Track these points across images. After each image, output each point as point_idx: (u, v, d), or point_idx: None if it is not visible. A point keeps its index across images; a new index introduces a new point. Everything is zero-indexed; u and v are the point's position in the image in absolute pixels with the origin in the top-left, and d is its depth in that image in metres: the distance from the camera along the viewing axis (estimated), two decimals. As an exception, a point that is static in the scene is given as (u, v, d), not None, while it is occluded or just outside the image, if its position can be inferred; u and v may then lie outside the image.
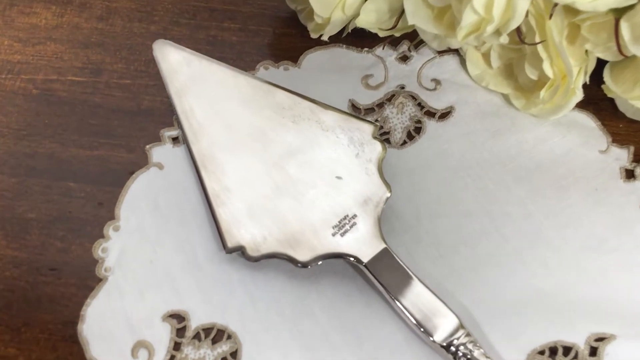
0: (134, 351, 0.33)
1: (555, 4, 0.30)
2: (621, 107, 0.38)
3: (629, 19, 0.30)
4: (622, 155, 0.37)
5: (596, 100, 0.39)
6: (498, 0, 0.29)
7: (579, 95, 0.35)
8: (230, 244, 0.34)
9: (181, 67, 0.38)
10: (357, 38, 0.41)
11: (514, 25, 0.30)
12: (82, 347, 0.33)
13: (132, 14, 0.43)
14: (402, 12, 0.35)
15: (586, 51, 0.35)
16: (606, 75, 0.36)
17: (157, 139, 0.38)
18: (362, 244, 0.33)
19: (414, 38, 0.40)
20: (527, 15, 0.32)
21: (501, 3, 0.29)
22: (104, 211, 0.36)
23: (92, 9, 0.43)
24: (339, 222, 0.34)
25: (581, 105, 0.38)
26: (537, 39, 0.33)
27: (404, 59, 0.41)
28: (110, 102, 0.40)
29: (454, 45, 0.35)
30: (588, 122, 0.38)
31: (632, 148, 0.37)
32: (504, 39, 0.32)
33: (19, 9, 0.43)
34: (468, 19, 0.31)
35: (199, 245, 0.35)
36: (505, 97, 0.39)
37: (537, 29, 0.33)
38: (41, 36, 0.42)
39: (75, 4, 0.43)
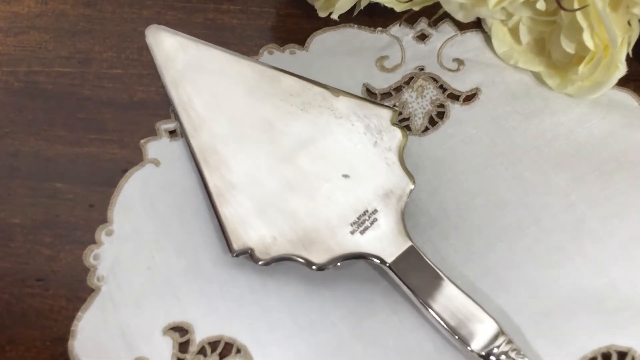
0: (131, 370, 0.29)
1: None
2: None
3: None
4: (669, 136, 0.33)
5: (637, 77, 0.35)
6: (537, -42, 0.26)
7: (622, 70, 0.32)
8: (236, 246, 0.30)
9: (177, 54, 0.35)
10: (370, 17, 0.37)
11: (554, -14, 0.26)
12: (73, 366, 0.29)
13: (122, -2, 0.39)
14: (422, -19, 0.32)
15: (629, 22, 0.31)
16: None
17: (153, 133, 0.35)
18: (385, 242, 0.30)
19: (434, 12, 0.36)
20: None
21: (541, -39, 0.26)
22: (95, 214, 0.33)
23: (79, -6, 0.39)
24: (358, 218, 0.30)
25: (621, 83, 0.34)
26: (577, 5, 0.29)
27: (422, 37, 0.37)
28: (100, 94, 0.36)
29: (484, 15, 0.31)
30: (629, 100, 0.35)
31: (680, 128, 0.33)
32: (541, 5, 0.28)
33: (0, -3, 0.39)
34: (502, -19, 0.27)
35: (202, 248, 0.32)
36: (537, 76, 0.35)
37: (577, -6, 0.29)
38: (24, 25, 0.38)
39: (61, -11, 0.40)
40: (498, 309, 0.29)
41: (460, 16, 0.32)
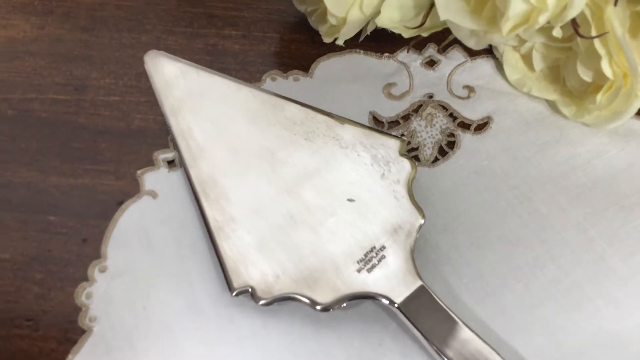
0: (124, 419, 0.27)
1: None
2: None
3: None
4: (691, 168, 0.32)
5: (656, 105, 0.34)
6: (555, -16, 0.24)
7: (643, 99, 0.30)
8: (237, 284, 0.28)
9: (177, 81, 0.33)
10: (376, 42, 0.36)
11: (572, 15, 0.25)
12: (63, 414, 0.27)
13: (120, 23, 0.38)
14: (431, 7, 0.30)
15: (648, 47, 0.30)
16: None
17: (150, 163, 0.33)
18: (394, 281, 0.28)
19: (441, 40, 0.35)
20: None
21: (558, -13, 0.24)
22: (88, 249, 0.31)
23: (76, 18, 0.38)
24: (365, 255, 0.29)
25: (639, 113, 0.33)
26: (594, 33, 0.28)
27: (431, 64, 0.36)
28: (96, 123, 0.35)
29: (496, 42, 0.30)
30: (648, 130, 0.33)
31: None
32: (557, 33, 0.26)
33: (-6, 21, 0.38)
34: (516, 8, 0.25)
35: (200, 286, 0.30)
36: (551, 105, 0.34)
37: (594, 21, 0.28)
38: (18, 50, 0.37)
39: (57, 14, 0.38)
40: (515, 353, 0.28)
41: (471, 43, 0.31)
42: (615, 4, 0.25)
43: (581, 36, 0.27)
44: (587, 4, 0.27)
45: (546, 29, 0.30)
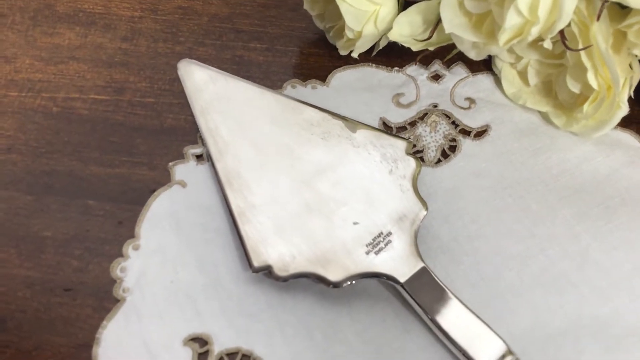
0: (152, 377, 0.30)
1: (604, 3, 0.28)
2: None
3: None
4: (670, 175, 0.35)
5: (639, 119, 0.37)
6: (544, 0, 0.28)
7: (624, 110, 0.34)
8: (256, 263, 0.31)
9: (206, 86, 0.37)
10: (387, 57, 0.40)
11: (560, 26, 0.29)
12: (97, 372, 0.30)
13: (156, 34, 0.42)
14: (437, 23, 0.34)
15: (630, 65, 0.34)
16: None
17: (180, 157, 0.37)
18: (399, 262, 0.31)
19: (447, 53, 0.38)
20: (569, 24, 0.31)
21: (547, 3, 0.28)
22: (123, 230, 0.34)
23: (117, 29, 0.42)
24: (373, 239, 0.32)
25: (624, 125, 0.36)
26: (581, 46, 0.31)
27: (436, 77, 0.39)
28: (132, 121, 0.38)
29: (494, 52, 0.33)
30: (632, 141, 0.37)
31: (681, 167, 0.35)
32: (548, 44, 0.30)
33: (42, 30, 0.42)
34: (511, 21, 0.29)
35: (223, 265, 0.33)
36: (544, 116, 0.37)
37: (581, 37, 0.31)
38: (64, 55, 0.41)
39: (100, 25, 0.42)
40: (505, 333, 0.30)
41: (472, 54, 0.34)
42: (598, 18, 0.29)
43: (568, 48, 0.31)
44: (575, 22, 0.31)
45: (539, 47, 0.34)
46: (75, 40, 0.42)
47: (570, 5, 0.28)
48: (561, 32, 0.31)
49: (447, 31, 0.32)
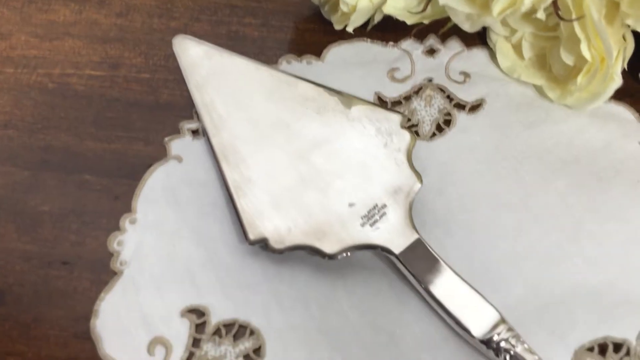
0: (150, 348, 0.30)
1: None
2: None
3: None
4: (662, 147, 0.35)
5: (632, 92, 0.37)
6: (538, -30, 0.28)
7: (617, 82, 0.34)
8: (252, 235, 0.32)
9: (202, 61, 0.37)
10: (382, 32, 0.40)
11: (551, -1, 0.29)
12: (95, 343, 0.31)
13: (151, 10, 0.42)
14: (432, -4, 0.34)
15: (623, 36, 0.34)
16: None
17: (176, 132, 0.37)
18: (393, 234, 0.32)
19: (442, 26, 0.38)
20: (563, -5, 0.31)
21: (541, -28, 0.28)
22: (120, 204, 0.34)
23: (111, 5, 0.42)
24: (368, 212, 0.32)
25: (617, 97, 0.37)
26: (574, 16, 0.31)
27: (431, 52, 0.39)
28: (128, 96, 0.38)
29: (488, 23, 0.33)
30: (626, 114, 0.37)
31: (674, 140, 0.35)
32: (541, 15, 0.30)
33: (37, 6, 0.42)
34: (505, -9, 0.29)
35: (220, 238, 0.33)
36: (538, 89, 0.38)
37: (574, 7, 0.31)
38: (59, 32, 0.41)
39: (94, 1, 0.42)
40: (499, 302, 0.31)
41: (467, 26, 0.34)
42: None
43: (561, 19, 0.31)
44: (569, -7, 0.31)
45: (533, 19, 0.34)
46: (70, 16, 0.42)
47: (563, -25, 0.28)
48: (554, 2, 0.31)
49: (441, 3, 0.32)
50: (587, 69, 0.33)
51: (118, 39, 0.41)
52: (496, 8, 0.30)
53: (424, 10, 0.35)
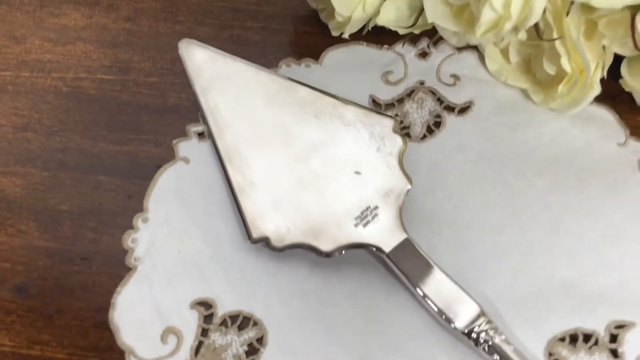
0: (163, 337, 0.34)
1: (572, 2, 0.30)
2: (639, 101, 0.39)
3: (645, 12, 0.31)
4: (639, 148, 0.38)
5: (614, 94, 0.39)
6: (516, -2, 0.30)
7: (596, 90, 0.36)
8: (255, 234, 0.34)
9: (206, 65, 0.40)
10: (377, 35, 0.42)
11: (531, 23, 0.31)
12: (113, 333, 0.34)
13: (157, 14, 0.44)
14: (422, 10, 0.36)
15: (603, 46, 0.36)
16: (624, 70, 0.37)
17: (183, 134, 0.39)
18: (384, 234, 0.34)
19: (433, 35, 0.41)
20: (544, 12, 0.33)
21: (519, 1, 0.30)
22: (133, 203, 0.37)
23: (119, 10, 0.44)
24: (361, 213, 0.35)
25: (599, 99, 0.38)
26: (555, 35, 0.34)
27: (424, 55, 0.42)
28: (138, 99, 0.41)
29: (473, 42, 0.36)
30: (606, 115, 0.39)
31: (649, 141, 0.38)
32: (522, 36, 0.32)
33: (49, 10, 0.44)
34: (487, 16, 0.31)
35: (225, 236, 0.36)
36: (524, 92, 0.40)
37: (555, 25, 0.34)
38: (71, 36, 0.43)
39: (103, 5, 0.44)
40: (482, 295, 0.34)
41: (454, 41, 0.37)
42: (567, 14, 0.31)
43: (542, 39, 0.33)
44: (550, 11, 0.33)
45: (515, 33, 0.36)
46: (80, 20, 0.44)
47: (540, 3, 0.30)
48: (535, 26, 0.33)
49: (429, 20, 0.35)
50: (567, 79, 0.36)
51: (127, 43, 0.43)
52: (479, 31, 0.32)
53: (414, 24, 0.37)
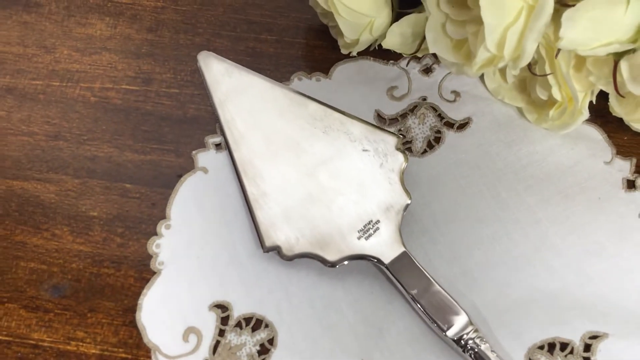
0: (185, 336, 0.38)
1: (559, 50, 0.33)
2: (626, 121, 0.41)
3: (628, 60, 0.33)
4: (624, 167, 0.41)
5: (604, 113, 0.42)
6: (509, 41, 0.33)
7: (585, 115, 0.39)
8: (267, 243, 0.38)
9: (223, 78, 0.42)
10: (383, 51, 0.44)
11: (523, 64, 0.33)
12: (140, 331, 0.38)
13: (178, 25, 0.47)
14: (425, 37, 0.39)
15: (593, 75, 0.38)
16: (611, 97, 0.40)
17: (202, 145, 0.43)
18: (384, 247, 0.38)
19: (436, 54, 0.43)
20: (537, 46, 0.36)
21: (512, 44, 0.33)
22: (156, 211, 0.41)
23: (142, 20, 0.47)
24: (364, 226, 0.38)
25: (590, 118, 0.41)
26: (547, 68, 0.36)
27: (427, 71, 0.44)
28: (160, 110, 0.44)
29: (470, 75, 0.38)
30: (595, 134, 0.42)
31: (634, 160, 0.41)
32: (515, 72, 0.35)
33: (76, 20, 0.47)
34: (482, 56, 0.34)
35: (241, 244, 0.40)
36: (519, 110, 0.42)
37: (547, 58, 0.36)
38: (97, 46, 0.46)
39: (127, 15, 0.47)
40: (471, 304, 0.37)
41: (453, 71, 0.39)
42: (556, 56, 0.34)
43: (534, 74, 0.35)
44: (543, 45, 0.36)
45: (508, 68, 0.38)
46: (105, 30, 0.47)
47: (531, 46, 0.32)
48: (528, 65, 0.35)
49: (430, 51, 0.37)
50: (557, 106, 0.38)
51: (149, 54, 0.46)
52: (474, 68, 0.35)
53: (416, 51, 0.39)
